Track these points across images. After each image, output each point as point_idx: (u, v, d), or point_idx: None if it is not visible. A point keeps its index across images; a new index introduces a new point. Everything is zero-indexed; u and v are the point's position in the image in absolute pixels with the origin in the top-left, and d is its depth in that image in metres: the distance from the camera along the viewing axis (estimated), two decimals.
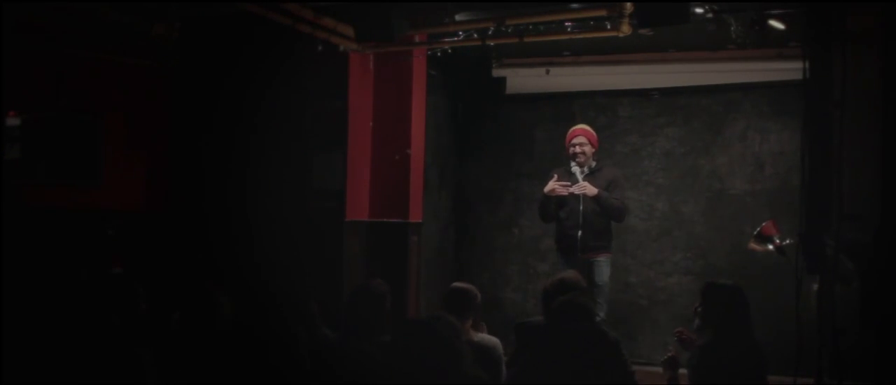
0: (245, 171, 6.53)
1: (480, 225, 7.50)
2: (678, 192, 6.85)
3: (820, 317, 3.97)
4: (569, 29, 5.76)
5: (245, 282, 5.64)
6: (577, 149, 5.92)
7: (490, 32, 5.89)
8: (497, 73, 7.31)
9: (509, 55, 7.11)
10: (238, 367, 3.41)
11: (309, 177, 6.43)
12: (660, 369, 4.24)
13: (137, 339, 3.70)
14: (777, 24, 5.50)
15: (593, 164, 5.97)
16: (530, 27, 5.76)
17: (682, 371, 4.12)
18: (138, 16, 5.79)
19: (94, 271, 6.03)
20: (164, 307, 4.14)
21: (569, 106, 7.16)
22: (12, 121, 6.06)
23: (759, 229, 5.45)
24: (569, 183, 5.83)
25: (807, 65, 4.09)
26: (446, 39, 6.24)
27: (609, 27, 5.50)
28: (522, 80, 7.31)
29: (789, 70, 5.40)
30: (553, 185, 5.85)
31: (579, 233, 5.74)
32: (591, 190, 5.78)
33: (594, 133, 6.04)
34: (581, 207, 5.75)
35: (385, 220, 6.47)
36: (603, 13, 5.40)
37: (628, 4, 5.21)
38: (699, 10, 5.28)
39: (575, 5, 5.46)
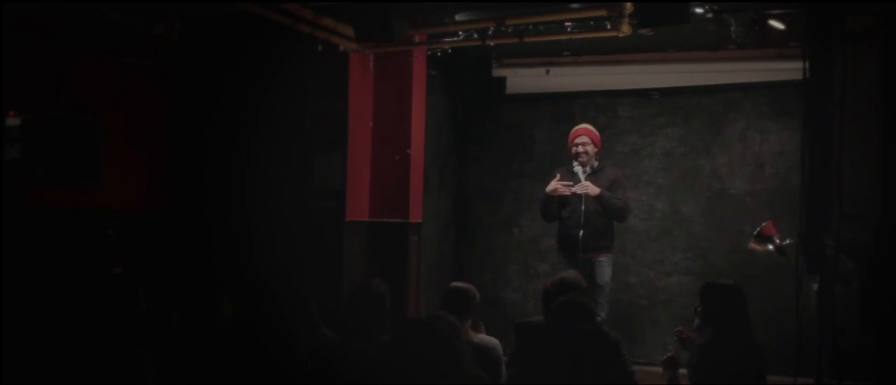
0: (245, 171, 6.53)
1: (480, 225, 7.50)
2: (678, 192, 6.85)
3: (820, 317, 3.97)
4: (569, 29, 5.76)
5: (245, 282, 5.64)
6: (580, 148, 5.92)
7: (490, 32, 5.89)
8: (497, 73, 7.31)
9: (509, 55, 7.11)
10: (238, 367, 3.41)
11: (309, 177, 6.43)
12: (660, 369, 4.24)
13: (137, 339, 3.70)
14: (777, 24, 5.50)
15: (596, 163, 5.97)
16: (530, 27, 5.76)
17: (682, 371, 4.13)
18: (138, 16, 5.79)
19: (94, 271, 6.03)
20: (164, 307, 4.14)
21: (569, 106, 7.16)
22: (12, 121, 6.06)
23: (759, 229, 5.46)
24: (571, 183, 5.83)
25: (807, 65, 4.09)
26: (446, 39, 6.24)
27: (609, 27, 5.50)
28: (522, 80, 7.31)
29: (789, 70, 5.41)
30: (555, 185, 5.85)
31: (581, 232, 5.74)
32: (593, 190, 5.78)
33: (597, 133, 6.04)
34: (583, 207, 5.76)
35: (385, 220, 6.47)
36: (603, 13, 5.40)
37: (628, 4, 5.21)
38: (699, 10, 5.28)
39: (575, 5, 5.46)
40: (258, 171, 6.49)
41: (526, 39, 5.84)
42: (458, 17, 5.89)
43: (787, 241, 5.25)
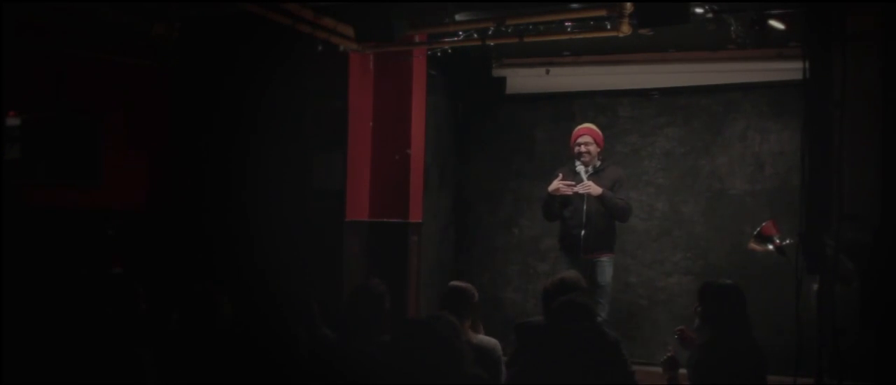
0: (245, 171, 6.53)
1: (480, 225, 7.50)
2: (678, 192, 6.84)
3: (820, 317, 3.97)
4: (569, 29, 5.76)
5: (245, 281, 5.64)
6: (583, 148, 5.92)
7: (490, 32, 5.89)
8: (497, 73, 7.31)
9: (509, 55, 7.11)
10: (238, 367, 3.41)
11: (309, 177, 6.43)
12: (660, 369, 4.24)
13: (137, 339, 3.70)
14: (777, 24, 5.50)
15: (598, 163, 5.96)
16: (530, 27, 5.76)
17: (682, 371, 4.13)
18: (138, 16, 5.78)
19: (94, 271, 6.03)
20: (163, 307, 4.14)
21: (569, 106, 7.16)
22: (12, 121, 6.06)
23: (759, 229, 5.45)
24: (573, 182, 5.82)
25: (807, 65, 4.09)
26: (446, 39, 6.24)
27: (609, 27, 5.50)
28: (522, 80, 7.31)
29: (789, 70, 5.40)
30: (557, 185, 5.85)
31: (583, 232, 5.74)
32: (595, 189, 5.78)
33: (600, 132, 6.04)
34: (585, 207, 5.75)
35: (385, 220, 6.47)
36: (603, 13, 5.40)
37: (628, 4, 5.21)
38: (699, 10, 5.28)
39: (575, 5, 5.46)
40: (258, 171, 6.49)
41: (526, 39, 5.84)
42: (458, 17, 5.89)
43: (787, 241, 5.25)
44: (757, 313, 4.17)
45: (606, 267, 5.87)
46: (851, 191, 4.29)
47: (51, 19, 6.00)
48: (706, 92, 6.78)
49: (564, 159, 6.29)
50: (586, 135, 5.96)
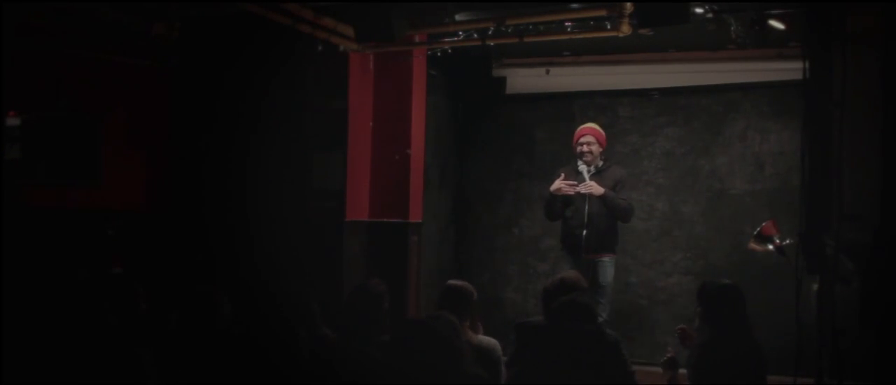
0: (245, 171, 6.53)
1: (480, 225, 7.50)
2: (678, 192, 6.84)
3: (820, 317, 3.98)
4: (569, 29, 5.76)
5: (245, 282, 5.64)
6: (585, 148, 5.91)
7: (490, 32, 5.88)
8: (497, 73, 7.31)
9: (509, 55, 7.11)
10: (238, 367, 3.41)
11: (309, 177, 6.43)
12: (660, 369, 4.24)
13: (137, 339, 3.70)
14: (777, 24, 5.50)
15: (601, 163, 5.96)
16: (530, 27, 5.76)
17: (682, 371, 4.12)
18: (138, 16, 5.79)
19: (94, 271, 6.03)
20: (163, 307, 4.14)
21: (569, 106, 7.16)
22: (12, 121, 6.05)
23: (759, 229, 5.45)
24: (575, 182, 5.82)
25: (807, 65, 4.10)
26: (446, 39, 6.24)
27: (609, 27, 5.50)
28: (522, 80, 7.31)
29: (789, 70, 5.40)
30: (560, 184, 5.84)
31: (584, 232, 5.74)
32: (597, 190, 5.77)
33: (602, 132, 6.03)
34: (587, 207, 5.75)
35: (385, 220, 6.47)
36: (603, 13, 5.40)
37: (628, 4, 5.21)
38: (699, 10, 5.28)
39: (575, 5, 5.46)
40: (258, 171, 6.49)
41: (526, 39, 5.83)
42: (458, 17, 5.89)
43: (787, 241, 5.24)
44: (757, 313, 4.16)
45: (608, 267, 5.86)
46: (851, 191, 4.30)
47: (51, 19, 6.00)
48: (706, 92, 6.78)
49: (564, 159, 6.29)
50: (589, 134, 5.95)
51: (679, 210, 6.83)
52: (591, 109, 7.01)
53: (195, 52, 6.60)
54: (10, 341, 3.76)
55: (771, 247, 5.36)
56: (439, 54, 6.51)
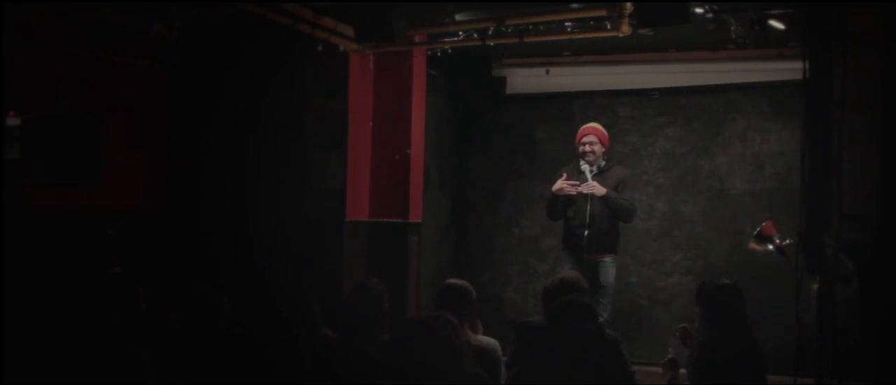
0: (245, 171, 6.53)
1: (480, 225, 7.50)
2: (678, 192, 6.84)
3: (820, 317, 3.97)
4: (569, 29, 5.76)
5: (245, 282, 5.63)
6: (588, 148, 5.90)
7: (490, 32, 5.88)
8: (497, 73, 7.31)
9: (509, 55, 7.11)
10: (238, 367, 3.41)
11: (309, 177, 6.42)
12: (660, 369, 4.24)
13: (137, 339, 3.70)
14: (777, 24, 5.49)
15: (603, 163, 5.95)
16: (530, 27, 5.76)
17: (682, 371, 4.12)
18: (138, 16, 5.79)
19: (94, 271, 6.03)
20: (163, 307, 4.14)
21: (569, 106, 7.16)
22: (12, 121, 6.06)
23: (759, 229, 5.45)
24: (577, 182, 5.81)
25: (807, 65, 4.09)
26: (446, 39, 6.24)
27: (609, 27, 5.50)
28: (522, 80, 7.31)
29: (789, 70, 5.40)
30: (561, 184, 5.83)
31: (586, 233, 5.73)
32: (599, 190, 5.76)
33: (605, 132, 6.02)
34: (588, 207, 5.74)
35: (385, 220, 6.47)
36: (603, 13, 5.40)
37: (628, 4, 5.21)
38: (699, 10, 5.27)
39: (575, 5, 5.46)
40: (258, 171, 6.49)
41: (526, 39, 5.83)
42: (458, 17, 5.88)
43: (787, 241, 5.24)
44: (757, 313, 4.16)
45: (609, 267, 5.85)
46: (851, 191, 4.30)
47: (51, 19, 6.00)
48: (706, 92, 6.78)
49: (564, 159, 6.28)
50: (591, 134, 5.94)
51: (679, 210, 6.83)
52: (591, 109, 7.01)
53: (195, 52, 6.59)
54: (11, 341, 3.77)
55: (771, 247, 5.36)
56: (439, 54, 6.51)
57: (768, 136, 6.58)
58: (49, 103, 6.24)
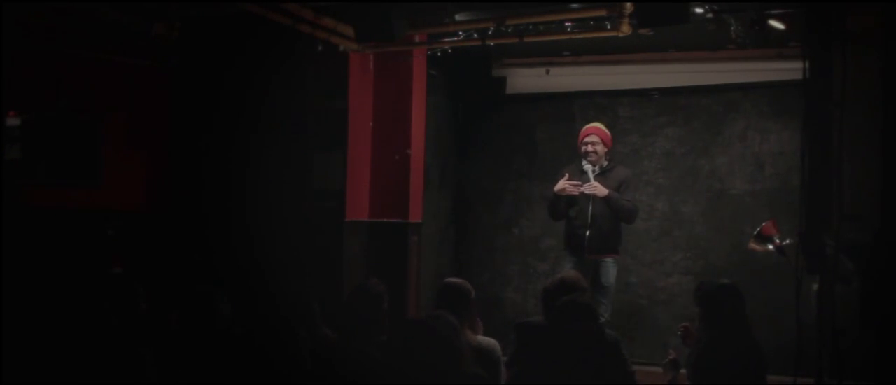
0: (245, 171, 6.53)
1: (480, 225, 7.50)
2: (678, 192, 6.85)
3: (820, 317, 3.97)
4: (569, 29, 5.76)
5: (245, 282, 5.64)
6: (590, 148, 5.89)
7: (490, 32, 5.88)
8: (497, 73, 7.31)
9: (509, 55, 7.11)
10: (238, 367, 3.41)
11: (309, 177, 6.42)
12: (660, 369, 4.24)
13: (137, 339, 3.70)
14: (777, 24, 5.50)
15: (605, 163, 5.94)
16: (530, 27, 5.76)
17: (682, 371, 4.13)
18: (138, 16, 5.79)
19: (94, 271, 6.03)
20: (163, 307, 4.14)
21: (569, 106, 7.16)
22: (12, 121, 6.05)
23: (759, 229, 5.45)
24: (579, 182, 5.80)
25: (807, 65, 4.09)
26: (446, 39, 6.24)
27: (609, 27, 5.50)
28: (522, 80, 7.31)
29: (789, 70, 5.40)
30: (563, 184, 5.82)
31: (587, 233, 5.73)
32: (601, 191, 5.75)
33: (608, 132, 6.01)
34: (590, 208, 5.74)
35: (385, 220, 6.47)
36: (603, 13, 5.40)
37: (628, 4, 5.21)
38: (699, 10, 5.27)
39: (575, 5, 5.46)
40: (258, 171, 6.49)
41: (526, 39, 5.83)
42: (458, 17, 5.88)
43: (787, 241, 5.24)
44: (757, 313, 4.17)
45: (610, 268, 5.85)
46: (851, 191, 4.30)
47: (51, 19, 6.00)
48: (706, 92, 6.78)
49: (565, 159, 6.29)
50: (593, 134, 5.93)
51: (679, 210, 6.83)
52: (592, 109, 7.01)
53: (195, 52, 6.59)
54: (11, 341, 3.77)
55: (771, 247, 5.36)
56: (439, 54, 6.51)
57: (768, 136, 6.58)
58: (49, 103, 6.24)
